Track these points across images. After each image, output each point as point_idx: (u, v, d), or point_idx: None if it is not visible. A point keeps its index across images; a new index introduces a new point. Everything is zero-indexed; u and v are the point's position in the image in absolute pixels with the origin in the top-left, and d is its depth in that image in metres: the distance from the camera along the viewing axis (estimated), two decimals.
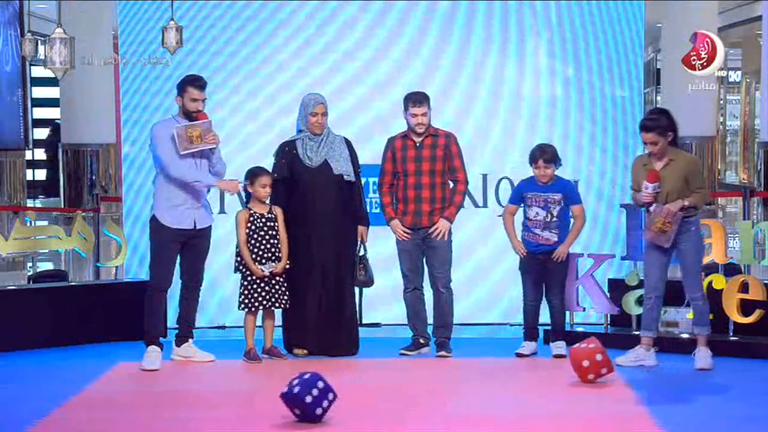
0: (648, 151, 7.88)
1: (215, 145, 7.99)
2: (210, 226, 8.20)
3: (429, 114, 8.31)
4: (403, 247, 8.36)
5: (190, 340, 8.22)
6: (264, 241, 8.14)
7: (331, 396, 6.39)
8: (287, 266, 8.18)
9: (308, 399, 6.30)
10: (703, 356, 7.85)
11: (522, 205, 8.33)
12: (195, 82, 8.08)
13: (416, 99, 8.31)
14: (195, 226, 8.05)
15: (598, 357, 7.40)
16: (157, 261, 8.09)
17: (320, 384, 6.35)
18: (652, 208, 7.82)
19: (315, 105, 8.29)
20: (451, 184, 8.36)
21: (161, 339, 8.17)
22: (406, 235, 8.31)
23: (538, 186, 8.25)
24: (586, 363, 7.39)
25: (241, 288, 8.20)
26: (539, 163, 8.21)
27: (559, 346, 8.26)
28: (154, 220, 8.08)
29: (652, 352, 7.95)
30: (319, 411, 6.33)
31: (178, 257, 8.11)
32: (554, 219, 8.22)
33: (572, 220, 8.30)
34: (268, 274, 8.12)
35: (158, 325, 8.18)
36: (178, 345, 8.20)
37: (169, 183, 7.97)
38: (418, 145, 8.30)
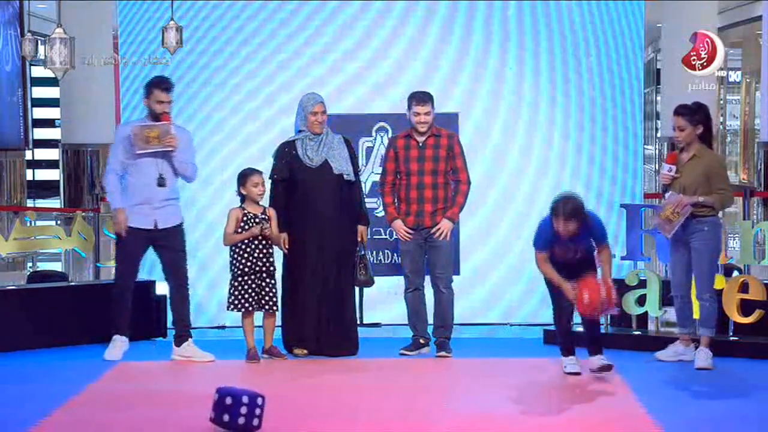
0: (675, 136, 7.85)
1: (172, 148, 7.99)
2: (178, 225, 8.16)
3: (432, 113, 8.31)
4: (406, 248, 8.34)
5: (190, 340, 8.21)
6: (256, 242, 8.10)
7: (259, 400, 6.19)
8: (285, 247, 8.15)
9: (241, 420, 6.13)
10: (703, 356, 7.83)
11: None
12: (161, 84, 8.10)
13: (420, 97, 8.30)
14: (156, 226, 8.04)
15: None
16: (119, 259, 8.19)
17: (244, 399, 6.15)
18: (667, 195, 7.76)
19: (315, 104, 8.29)
20: (453, 185, 8.36)
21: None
22: (408, 235, 8.30)
23: (564, 240, 7.40)
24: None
25: (230, 288, 8.13)
26: (560, 219, 7.28)
27: (601, 359, 7.68)
28: None
29: (692, 348, 7.92)
30: (256, 422, 6.17)
31: (143, 258, 8.14)
32: (578, 254, 7.54)
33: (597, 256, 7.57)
34: (258, 231, 8.00)
35: (123, 318, 8.17)
36: (178, 345, 8.20)
37: (129, 183, 8.02)
38: (421, 144, 8.29)
